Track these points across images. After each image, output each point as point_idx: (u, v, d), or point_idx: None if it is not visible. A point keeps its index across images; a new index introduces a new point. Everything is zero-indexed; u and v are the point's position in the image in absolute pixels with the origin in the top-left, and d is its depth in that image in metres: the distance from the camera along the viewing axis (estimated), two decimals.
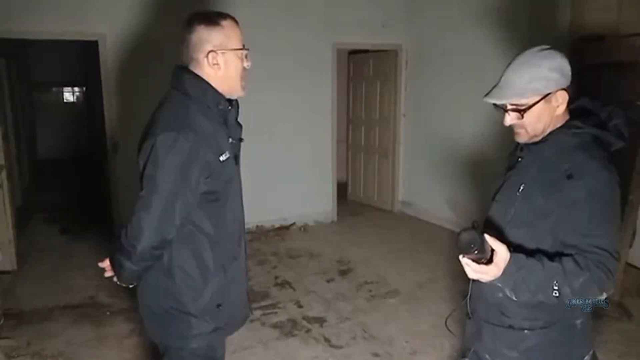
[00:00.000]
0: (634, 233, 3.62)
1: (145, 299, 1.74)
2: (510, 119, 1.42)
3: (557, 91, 1.37)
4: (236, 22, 1.65)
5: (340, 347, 3.21)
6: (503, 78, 1.41)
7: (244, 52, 1.66)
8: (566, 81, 1.38)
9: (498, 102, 1.42)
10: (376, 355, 3.13)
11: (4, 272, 4.20)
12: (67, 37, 4.75)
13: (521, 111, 1.39)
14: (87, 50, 6.93)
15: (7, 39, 4.87)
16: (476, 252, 1.27)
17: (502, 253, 1.30)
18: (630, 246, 3.62)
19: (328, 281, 4.26)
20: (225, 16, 1.62)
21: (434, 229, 5.63)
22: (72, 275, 4.28)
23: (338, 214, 6.09)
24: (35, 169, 8.96)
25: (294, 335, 3.36)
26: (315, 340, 3.30)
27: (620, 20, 3.79)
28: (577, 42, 4.04)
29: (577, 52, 4.00)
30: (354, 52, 6.64)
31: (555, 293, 1.30)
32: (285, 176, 5.64)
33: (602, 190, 1.34)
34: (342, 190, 6.62)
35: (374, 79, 6.40)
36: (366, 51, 6.39)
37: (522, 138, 1.46)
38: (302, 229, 5.70)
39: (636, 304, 3.62)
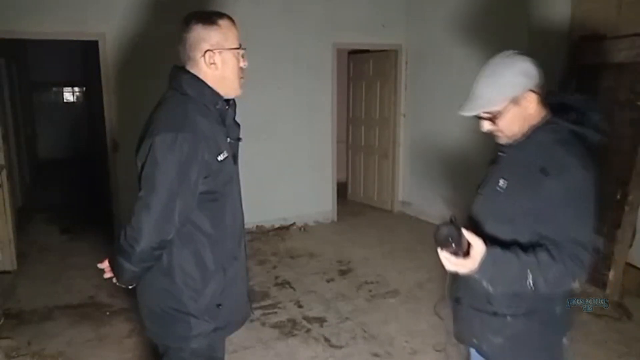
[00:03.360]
0: (634, 233, 3.62)
1: (145, 299, 1.74)
2: (485, 125, 1.52)
3: (524, 93, 1.44)
4: (233, 21, 1.65)
5: (340, 347, 3.21)
6: (472, 91, 1.50)
7: (241, 51, 1.66)
8: (533, 82, 1.45)
9: (471, 114, 1.50)
10: (376, 355, 3.13)
11: (4, 272, 4.20)
12: (67, 37, 4.75)
13: (493, 118, 1.48)
14: (87, 50, 6.93)
15: (7, 39, 4.87)
16: (453, 245, 1.34)
17: (478, 247, 1.36)
18: (630, 246, 3.62)
19: (328, 281, 4.26)
20: (222, 15, 1.63)
21: (433, 228, 5.60)
22: (72, 275, 4.29)
23: (338, 214, 6.09)
24: (35, 169, 8.96)
25: (294, 335, 3.36)
26: (315, 340, 3.30)
27: (620, 20, 3.79)
28: (577, 42, 4.04)
29: (577, 52, 4.00)
30: (354, 52, 6.64)
31: (530, 284, 1.35)
32: (285, 176, 5.65)
33: (578, 187, 1.38)
34: (342, 190, 6.62)
35: (374, 79, 6.40)
36: (366, 51, 6.39)
37: (502, 140, 1.55)
38: (302, 229, 5.70)
39: (636, 304, 3.61)
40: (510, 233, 1.46)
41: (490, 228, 1.51)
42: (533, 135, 1.47)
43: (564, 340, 1.61)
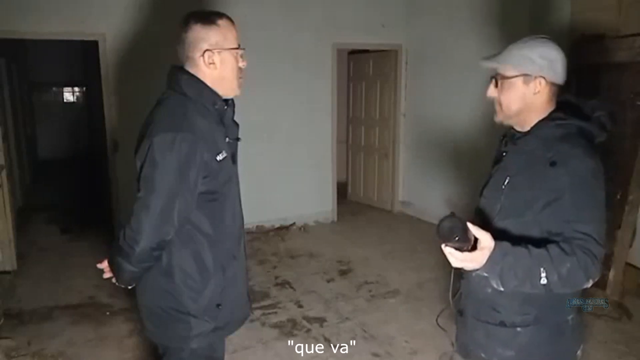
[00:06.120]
0: (634, 233, 3.62)
1: (145, 299, 1.74)
2: (490, 90, 1.48)
3: (537, 77, 1.40)
4: (232, 21, 1.65)
5: (340, 347, 3.21)
6: (504, 50, 1.48)
7: (240, 51, 1.66)
8: (552, 74, 1.40)
9: (487, 64, 1.48)
10: (376, 355, 3.13)
11: (4, 272, 4.19)
12: (67, 37, 4.75)
13: (500, 83, 1.44)
14: (87, 50, 6.93)
15: (7, 39, 4.87)
16: (457, 239, 1.23)
17: (486, 240, 1.26)
18: (630, 246, 3.62)
19: (328, 281, 4.26)
20: (221, 15, 1.63)
21: (433, 228, 5.57)
22: (72, 275, 4.28)
23: (338, 214, 6.09)
24: (35, 169, 8.96)
25: (294, 335, 3.35)
26: (315, 340, 3.30)
27: (620, 20, 3.79)
28: (577, 42, 4.04)
29: (577, 52, 4.00)
30: (354, 52, 6.64)
31: (543, 280, 1.26)
32: (285, 176, 5.64)
33: (585, 177, 1.33)
34: (342, 190, 6.62)
35: (374, 79, 6.40)
36: (366, 51, 6.39)
37: (497, 116, 1.50)
38: (302, 229, 5.70)
39: (636, 304, 3.61)
40: (517, 230, 1.40)
41: (497, 227, 1.44)
42: (537, 129, 1.43)
43: (578, 352, 1.54)
